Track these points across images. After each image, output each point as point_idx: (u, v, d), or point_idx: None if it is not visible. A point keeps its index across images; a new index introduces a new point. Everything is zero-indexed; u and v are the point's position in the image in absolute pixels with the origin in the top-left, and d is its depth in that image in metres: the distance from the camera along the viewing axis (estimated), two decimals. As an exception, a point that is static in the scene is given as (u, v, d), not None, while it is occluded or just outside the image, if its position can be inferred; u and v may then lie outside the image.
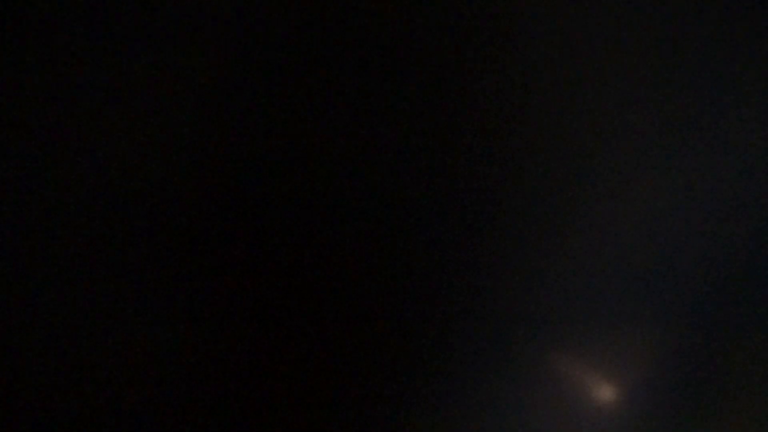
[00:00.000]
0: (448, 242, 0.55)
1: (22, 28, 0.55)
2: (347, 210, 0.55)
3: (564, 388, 0.54)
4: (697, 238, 0.55)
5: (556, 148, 0.55)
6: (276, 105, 0.55)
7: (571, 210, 0.55)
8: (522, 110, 0.55)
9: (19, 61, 0.55)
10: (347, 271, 0.54)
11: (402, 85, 0.55)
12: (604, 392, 0.55)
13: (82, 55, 0.55)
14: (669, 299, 0.55)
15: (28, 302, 0.54)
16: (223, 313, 0.54)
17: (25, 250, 0.54)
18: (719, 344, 0.55)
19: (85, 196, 0.55)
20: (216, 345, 0.54)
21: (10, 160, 0.55)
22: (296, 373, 0.54)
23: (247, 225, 0.54)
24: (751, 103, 0.56)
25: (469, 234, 0.55)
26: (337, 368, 0.54)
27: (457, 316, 0.54)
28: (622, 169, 0.55)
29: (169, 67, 0.55)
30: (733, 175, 0.56)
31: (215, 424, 0.54)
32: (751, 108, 0.56)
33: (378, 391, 0.54)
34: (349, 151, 0.55)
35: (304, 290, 0.54)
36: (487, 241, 0.55)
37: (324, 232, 0.54)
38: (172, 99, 0.55)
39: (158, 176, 0.55)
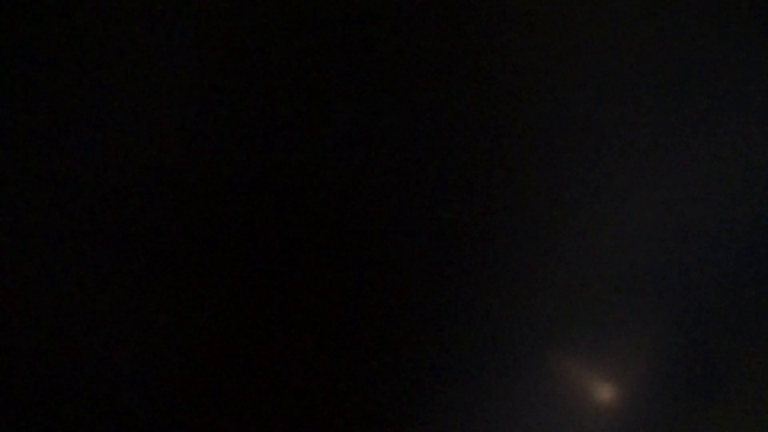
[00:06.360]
0: (448, 243, 0.55)
1: (22, 27, 0.56)
2: (346, 210, 0.55)
3: (564, 388, 0.54)
4: (696, 238, 0.55)
5: (557, 148, 0.55)
6: (275, 105, 0.55)
7: (571, 210, 0.55)
8: (521, 111, 0.55)
9: (18, 61, 0.55)
10: (346, 271, 0.54)
11: (401, 85, 0.55)
12: (604, 392, 0.55)
13: (81, 54, 0.55)
14: (669, 299, 0.55)
15: (28, 301, 0.54)
16: (221, 312, 0.54)
17: (25, 249, 0.54)
18: (719, 344, 0.55)
19: (85, 196, 0.55)
20: (215, 344, 0.54)
21: (9, 159, 0.55)
22: (295, 373, 0.54)
23: (247, 224, 0.55)
24: (752, 103, 0.56)
25: (468, 234, 0.55)
26: (337, 369, 0.54)
27: (457, 316, 0.54)
28: (622, 170, 0.55)
29: (167, 65, 0.55)
30: (733, 175, 0.56)
31: (215, 424, 0.54)
32: (752, 108, 0.56)
33: (377, 392, 0.54)
34: (348, 151, 0.55)
35: (304, 290, 0.54)
36: (487, 241, 0.55)
37: (323, 232, 0.55)
38: (171, 98, 0.55)
39: (156, 176, 0.55)
